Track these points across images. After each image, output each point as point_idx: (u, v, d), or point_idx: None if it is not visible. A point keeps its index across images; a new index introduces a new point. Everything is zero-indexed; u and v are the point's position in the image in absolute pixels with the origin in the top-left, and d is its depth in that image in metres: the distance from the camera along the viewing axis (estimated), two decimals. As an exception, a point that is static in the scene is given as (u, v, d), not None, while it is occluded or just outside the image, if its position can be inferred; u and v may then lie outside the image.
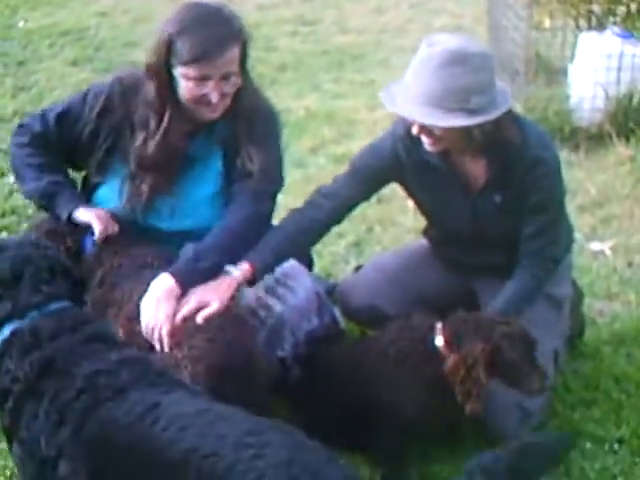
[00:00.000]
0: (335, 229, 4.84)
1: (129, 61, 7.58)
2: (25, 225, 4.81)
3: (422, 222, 4.56)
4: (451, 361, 2.99)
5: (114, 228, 3.29)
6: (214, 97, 3.13)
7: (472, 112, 3.00)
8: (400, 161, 3.36)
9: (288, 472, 2.01)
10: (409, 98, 3.07)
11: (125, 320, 3.09)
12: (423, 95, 3.02)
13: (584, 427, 3.47)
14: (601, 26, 6.51)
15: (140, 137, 3.26)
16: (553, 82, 6.36)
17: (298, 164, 5.61)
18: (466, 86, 2.98)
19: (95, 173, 3.42)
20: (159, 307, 3.00)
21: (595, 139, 5.83)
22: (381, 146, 3.44)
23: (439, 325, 3.12)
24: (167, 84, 3.19)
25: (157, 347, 2.98)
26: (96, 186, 3.43)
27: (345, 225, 4.94)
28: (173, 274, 3.07)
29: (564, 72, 6.37)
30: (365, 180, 3.45)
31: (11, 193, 5.28)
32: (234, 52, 3.13)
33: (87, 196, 3.45)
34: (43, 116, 3.43)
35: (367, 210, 5.10)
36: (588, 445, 3.39)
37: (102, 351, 2.43)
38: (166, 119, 3.23)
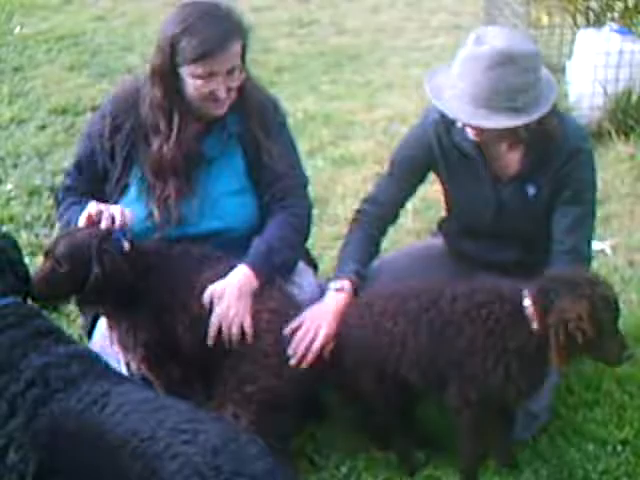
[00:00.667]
0: (334, 232, 4.88)
1: (125, 65, 7.60)
2: (23, 233, 4.79)
3: (421, 223, 4.59)
4: (552, 318, 2.86)
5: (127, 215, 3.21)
6: (222, 93, 3.17)
7: (517, 111, 3.01)
8: (432, 148, 3.37)
9: (213, 460, 2.06)
10: (456, 95, 3.08)
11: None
12: (470, 95, 3.03)
13: (586, 429, 3.45)
14: (599, 23, 6.49)
15: (155, 143, 3.26)
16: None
17: (296, 167, 5.58)
18: (513, 86, 2.98)
19: (112, 194, 3.39)
20: (240, 298, 3.06)
21: (594, 137, 5.78)
22: (414, 135, 3.47)
23: (527, 290, 2.98)
24: (173, 85, 3.20)
25: (233, 336, 3.04)
26: None
27: (344, 229, 4.91)
28: (251, 266, 3.14)
29: (562, 70, 6.36)
30: (405, 173, 3.48)
31: (8, 201, 5.27)
32: (237, 46, 3.17)
33: None
34: (68, 174, 3.48)
35: (366, 213, 5.09)
36: (591, 447, 3.37)
37: (50, 345, 2.49)
38: (176, 119, 3.23)
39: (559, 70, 6.36)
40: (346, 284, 3.29)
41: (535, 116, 3.04)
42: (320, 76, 7.59)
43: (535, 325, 2.91)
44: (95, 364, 2.50)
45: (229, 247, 3.28)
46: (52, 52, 8.14)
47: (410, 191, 3.53)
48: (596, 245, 4.64)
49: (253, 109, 3.34)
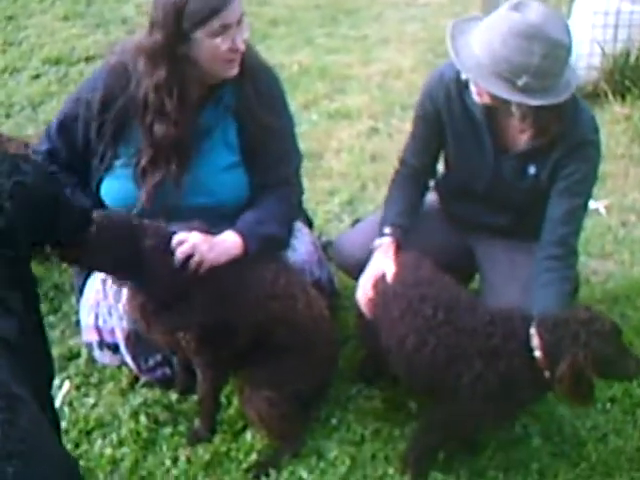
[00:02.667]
0: (328, 186, 4.88)
1: (120, 16, 7.54)
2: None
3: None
4: (561, 375, 2.78)
5: None
6: (240, 44, 3.08)
7: (516, 89, 2.94)
8: (438, 104, 3.33)
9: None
10: (469, 48, 3.01)
11: None
12: (483, 51, 2.96)
13: (577, 386, 3.47)
14: (598, -18, 6.44)
15: (159, 126, 3.15)
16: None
17: (291, 120, 5.57)
18: (524, 64, 2.89)
19: (97, 168, 3.33)
20: (211, 250, 3.04)
21: (591, 97, 5.77)
22: (424, 93, 3.41)
23: (534, 332, 2.86)
24: (181, 57, 3.08)
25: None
26: (99, 181, 3.36)
27: (338, 183, 4.96)
28: (239, 233, 3.14)
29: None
30: (423, 132, 3.46)
31: (1, 149, 5.22)
32: None
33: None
34: (47, 135, 3.38)
35: (361, 168, 5.10)
36: (580, 404, 3.41)
37: None
38: (179, 95, 3.13)
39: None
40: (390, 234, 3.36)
41: (532, 102, 2.97)
42: (316, 29, 7.54)
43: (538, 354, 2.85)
44: None
45: (217, 222, 3.23)
46: (46, 1, 8.04)
47: (436, 146, 3.49)
48: (590, 205, 4.65)
49: (249, 76, 3.25)
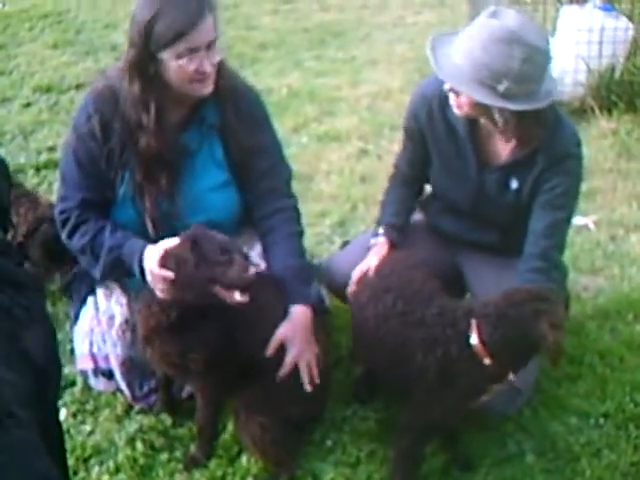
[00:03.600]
0: (318, 209, 4.90)
1: (110, 43, 7.58)
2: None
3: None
4: (551, 341, 2.74)
5: None
6: (207, 67, 3.10)
7: (497, 95, 2.98)
8: (420, 120, 3.40)
9: None
10: (450, 58, 3.06)
11: None
12: (463, 59, 3.00)
13: (569, 402, 3.50)
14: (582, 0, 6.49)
15: (141, 139, 3.18)
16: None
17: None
18: (505, 68, 2.93)
19: (109, 189, 3.32)
20: (309, 340, 3.20)
21: (577, 113, 5.83)
22: (408, 107, 3.48)
23: (474, 322, 2.89)
24: (152, 75, 3.12)
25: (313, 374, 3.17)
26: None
27: (329, 204, 4.99)
28: (303, 303, 3.25)
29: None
30: (411, 144, 3.54)
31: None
32: (210, 19, 3.10)
33: None
34: (69, 187, 3.32)
35: (351, 189, 5.13)
36: (573, 420, 3.43)
37: None
38: (157, 111, 3.16)
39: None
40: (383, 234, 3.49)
41: (513, 107, 3.00)
42: (304, 52, 7.58)
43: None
44: None
45: None
46: (35, 30, 8.10)
47: (425, 158, 3.52)
48: (579, 220, 4.69)
49: (230, 97, 3.29)
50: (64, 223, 3.32)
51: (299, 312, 3.21)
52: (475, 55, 2.96)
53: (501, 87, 2.95)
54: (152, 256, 3.03)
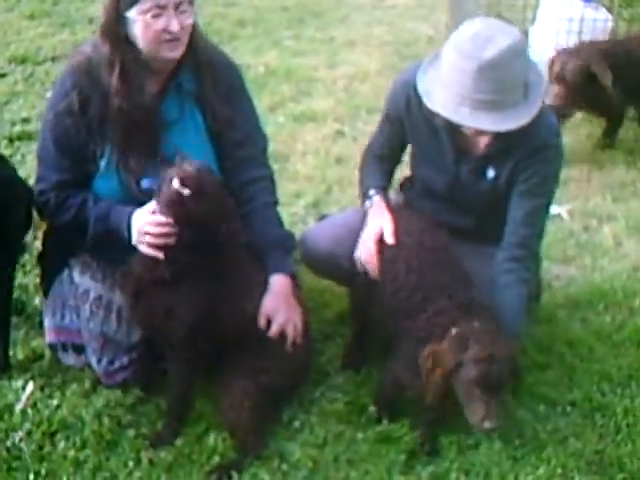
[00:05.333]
0: (293, 189, 4.89)
1: (87, 15, 7.50)
2: None
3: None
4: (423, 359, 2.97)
5: None
6: (174, 26, 3.09)
7: (501, 107, 3.04)
8: (399, 108, 3.42)
9: None
10: (446, 94, 3.08)
11: None
12: (449, 90, 3.06)
13: (537, 390, 3.52)
14: (563, -11, 6.50)
15: (115, 103, 3.17)
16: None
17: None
18: (486, 97, 3.00)
19: (90, 163, 3.31)
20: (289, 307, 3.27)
21: (554, 102, 5.83)
22: (390, 92, 3.51)
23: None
24: (121, 36, 3.14)
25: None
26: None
27: (304, 186, 4.98)
28: (286, 272, 3.32)
29: (525, 34, 6.36)
30: (388, 127, 3.55)
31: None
32: None
33: None
34: (47, 166, 3.32)
35: (326, 171, 5.12)
36: (541, 407, 3.45)
37: None
38: (122, 71, 3.16)
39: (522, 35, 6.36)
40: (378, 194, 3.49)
41: (522, 121, 3.06)
42: (283, 31, 7.53)
43: None
44: None
45: None
46: (12, 0, 7.99)
47: (399, 144, 3.56)
48: (553, 210, 4.69)
49: (206, 66, 3.30)
50: (45, 204, 3.33)
51: (280, 282, 3.27)
52: (466, 85, 3.01)
53: (508, 99, 3.04)
54: (141, 218, 3.11)
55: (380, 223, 3.35)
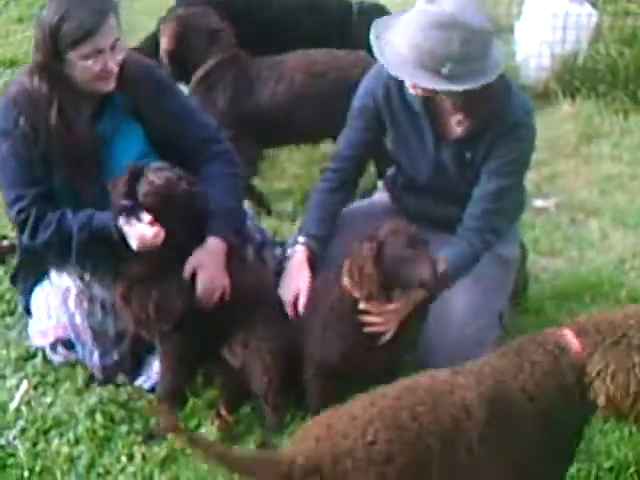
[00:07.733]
0: (282, 187, 4.91)
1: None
2: None
3: (368, 181, 4.61)
4: (345, 267, 3.08)
5: None
6: (113, 67, 3.25)
7: (441, 78, 3.03)
8: (377, 99, 3.42)
9: None
10: (393, 46, 3.10)
11: None
12: (406, 47, 3.06)
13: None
14: (547, -15, 6.53)
15: (54, 136, 3.27)
16: (499, 39, 6.35)
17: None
18: (446, 52, 2.99)
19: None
20: (218, 267, 3.30)
21: (541, 97, 5.87)
22: (364, 87, 3.51)
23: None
24: (59, 74, 3.24)
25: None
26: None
27: (292, 183, 5.00)
28: (224, 238, 3.35)
29: (511, 29, 6.42)
30: (360, 123, 3.53)
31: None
32: (113, 20, 3.23)
33: None
34: (17, 185, 3.33)
35: (314, 168, 5.12)
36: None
37: None
38: (60, 108, 3.26)
39: (508, 30, 6.41)
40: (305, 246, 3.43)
41: (457, 88, 3.05)
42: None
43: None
44: None
45: None
46: (0, 3, 7.99)
47: (370, 141, 3.56)
48: (540, 203, 4.76)
49: (133, 84, 3.40)
50: (24, 223, 3.33)
51: (213, 243, 3.33)
52: (416, 42, 3.03)
53: (445, 70, 3.02)
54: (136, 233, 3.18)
55: (297, 286, 3.34)
